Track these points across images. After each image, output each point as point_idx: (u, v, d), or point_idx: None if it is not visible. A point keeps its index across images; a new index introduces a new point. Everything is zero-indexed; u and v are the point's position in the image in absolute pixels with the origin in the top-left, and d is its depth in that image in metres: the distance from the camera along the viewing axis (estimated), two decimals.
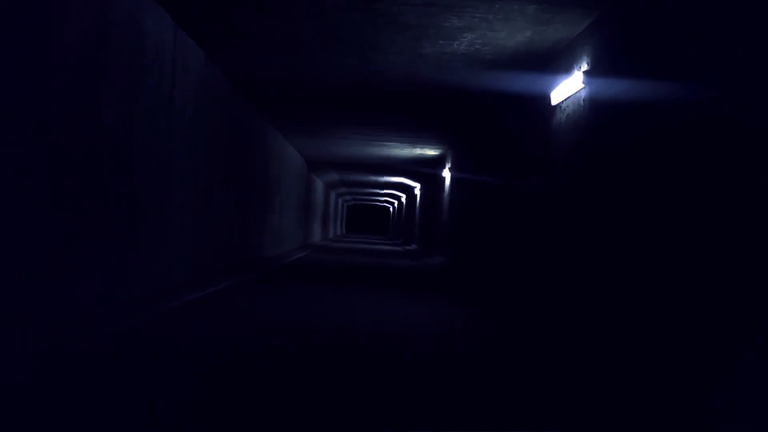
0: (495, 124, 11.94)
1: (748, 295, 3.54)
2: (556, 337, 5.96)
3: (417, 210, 29.63)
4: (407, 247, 28.85)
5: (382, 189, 36.57)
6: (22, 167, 4.42)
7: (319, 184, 30.16)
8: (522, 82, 9.44)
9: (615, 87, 5.86)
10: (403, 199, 39.54)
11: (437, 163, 20.88)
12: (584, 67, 6.80)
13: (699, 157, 4.19)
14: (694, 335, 4.07)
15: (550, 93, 8.12)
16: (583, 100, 6.77)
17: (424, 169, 23.15)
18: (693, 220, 4.22)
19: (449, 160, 18.14)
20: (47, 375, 3.64)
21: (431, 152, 18.58)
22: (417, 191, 30.02)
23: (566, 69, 7.51)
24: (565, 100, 7.44)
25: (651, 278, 4.79)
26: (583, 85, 6.64)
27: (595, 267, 6.07)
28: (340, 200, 50.08)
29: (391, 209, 57.67)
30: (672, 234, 4.50)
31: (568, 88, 7.06)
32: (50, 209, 4.83)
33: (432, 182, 23.45)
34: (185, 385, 3.61)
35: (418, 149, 18.08)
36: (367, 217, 68.92)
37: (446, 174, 18.32)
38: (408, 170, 24.04)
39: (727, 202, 3.82)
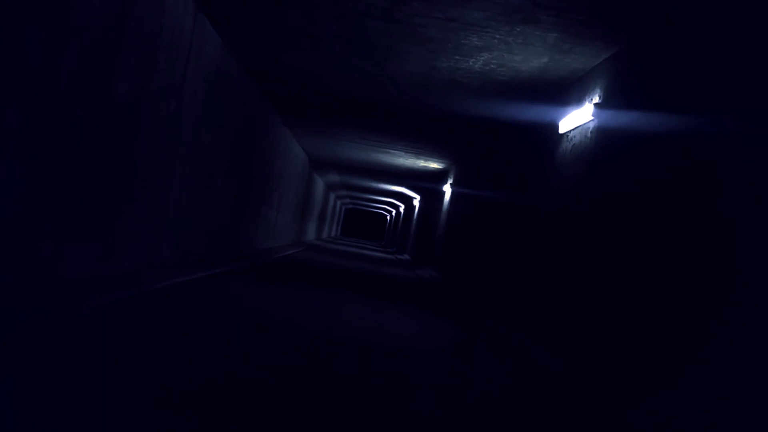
0: (501, 145, 11.99)
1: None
2: (537, 351, 5.97)
3: (414, 221, 29.66)
4: (400, 257, 28.86)
5: (382, 196, 36.62)
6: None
7: (319, 184, 30.19)
8: (532, 107, 9.50)
9: (624, 122, 5.91)
10: (401, 209, 39.58)
11: (439, 177, 20.93)
12: (596, 99, 6.85)
13: (694, 198, 4.23)
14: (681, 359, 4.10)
15: (558, 121, 8.17)
16: (591, 131, 6.82)
17: (426, 182, 23.20)
18: (689, 252, 4.25)
19: (452, 176, 18.18)
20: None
21: (435, 165, 18.62)
22: (416, 202, 30.06)
23: (577, 99, 7.56)
24: (573, 129, 7.49)
25: (638, 306, 4.82)
26: (592, 117, 6.69)
27: (588, 290, 6.10)
28: (338, 202, 50.09)
29: (388, 217, 57.69)
30: (667, 262, 4.54)
31: (577, 118, 7.12)
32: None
33: (432, 195, 23.50)
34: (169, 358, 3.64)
35: (421, 161, 18.13)
36: (364, 222, 68.94)
37: (447, 189, 18.35)
38: (409, 181, 24.09)
39: (733, 237, 3.85)
